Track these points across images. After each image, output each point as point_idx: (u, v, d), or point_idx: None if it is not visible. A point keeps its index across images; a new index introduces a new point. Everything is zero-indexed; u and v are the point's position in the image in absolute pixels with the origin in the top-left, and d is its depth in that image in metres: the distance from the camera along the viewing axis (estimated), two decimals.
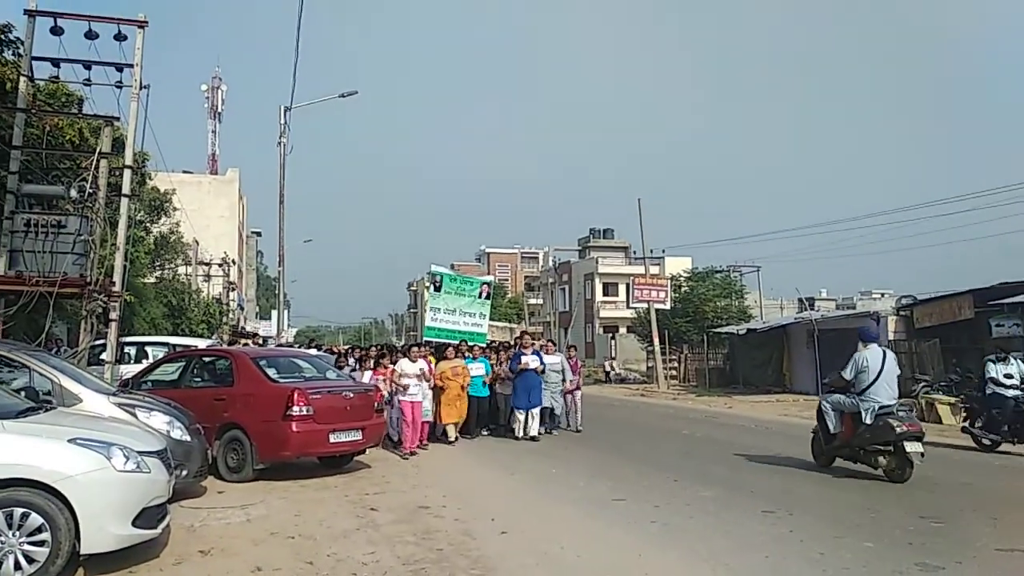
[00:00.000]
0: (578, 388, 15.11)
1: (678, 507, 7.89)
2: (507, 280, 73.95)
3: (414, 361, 12.11)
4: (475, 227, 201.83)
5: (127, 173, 13.82)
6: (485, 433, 13.91)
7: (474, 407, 13.40)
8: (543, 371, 13.48)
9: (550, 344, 15.15)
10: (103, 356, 13.29)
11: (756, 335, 29.53)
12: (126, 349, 16.36)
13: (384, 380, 12.39)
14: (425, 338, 14.70)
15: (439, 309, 14.88)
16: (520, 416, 13.34)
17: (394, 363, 12.54)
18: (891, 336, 24.05)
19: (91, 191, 12.64)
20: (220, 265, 45.08)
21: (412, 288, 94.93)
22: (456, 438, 12.89)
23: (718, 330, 32.31)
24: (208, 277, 43.58)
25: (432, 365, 12.80)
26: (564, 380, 14.47)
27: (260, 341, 21.77)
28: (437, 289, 14.81)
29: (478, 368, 13.52)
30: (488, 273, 76.08)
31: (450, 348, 13.30)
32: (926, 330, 22.78)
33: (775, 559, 5.97)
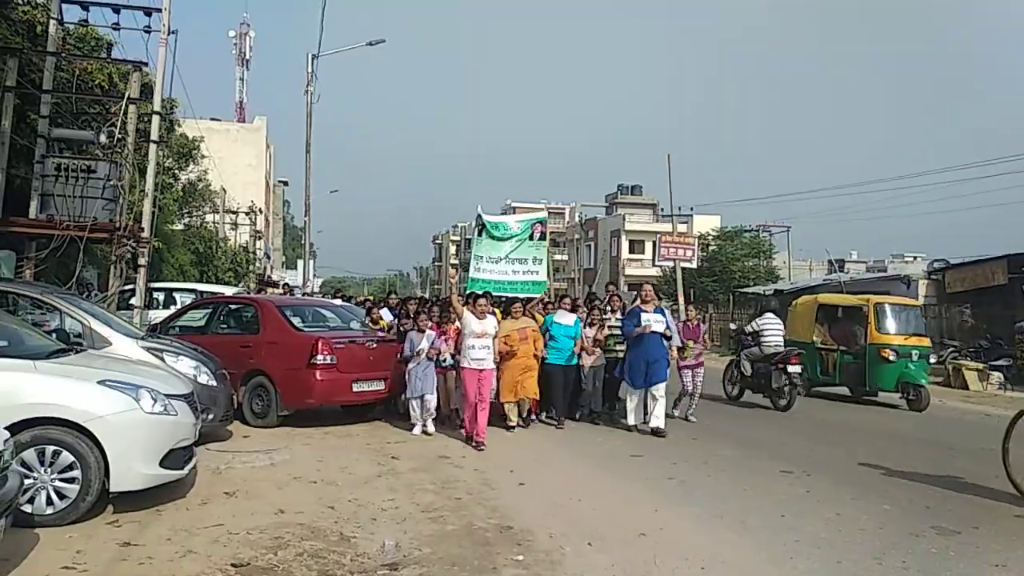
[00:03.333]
0: (700, 364, 11.25)
1: (696, 464, 7.94)
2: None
3: (481, 317, 8.98)
4: (501, 181, 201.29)
5: (155, 119, 13.88)
6: (577, 417, 10.62)
7: (559, 380, 10.16)
8: (670, 337, 10.04)
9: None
10: (132, 301, 13.53)
11: (783, 296, 29.28)
12: (154, 295, 16.60)
13: (446, 339, 9.82)
14: (469, 291, 11.31)
15: (482, 257, 11.89)
16: (635, 397, 9.95)
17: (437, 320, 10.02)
18: (921, 300, 23.75)
19: (120, 137, 12.73)
20: (247, 214, 45.34)
21: (437, 241, 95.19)
22: (517, 424, 9.82)
23: (744, 290, 32.06)
24: (235, 225, 43.88)
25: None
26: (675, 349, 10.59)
27: (287, 290, 21.97)
28: (479, 234, 12.09)
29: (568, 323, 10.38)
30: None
31: (517, 304, 10.08)
32: (958, 295, 22.43)
33: (791, 518, 5.99)
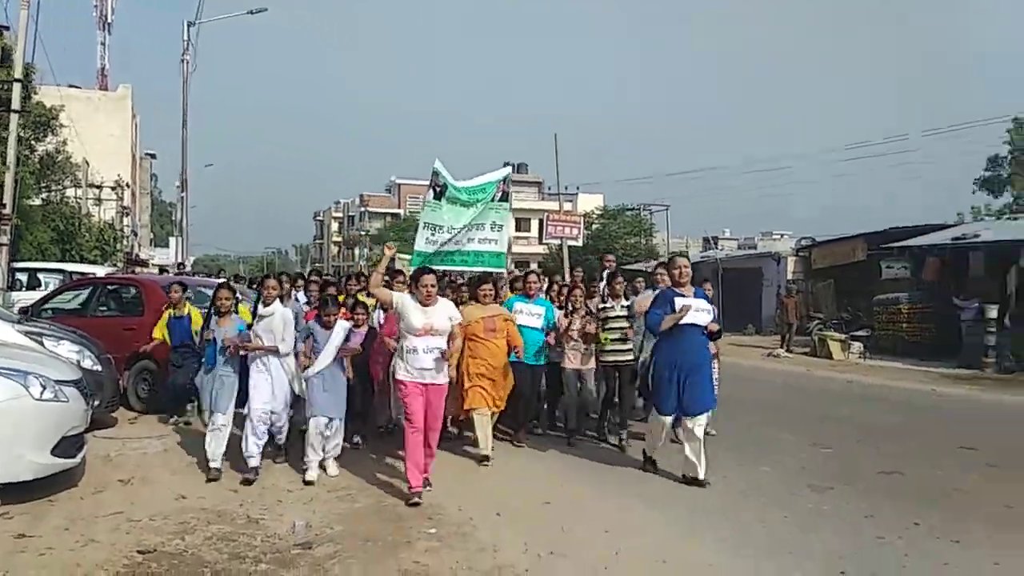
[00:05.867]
0: (715, 356, 7.82)
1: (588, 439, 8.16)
2: (418, 213, 73.10)
3: (427, 303, 5.87)
4: (385, 156, 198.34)
5: (16, 87, 12.95)
6: (538, 431, 8.27)
7: (525, 384, 7.51)
8: (719, 333, 6.90)
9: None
10: None
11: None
12: (17, 275, 15.51)
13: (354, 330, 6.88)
14: (413, 267, 8.34)
15: (438, 227, 8.96)
16: (660, 427, 6.47)
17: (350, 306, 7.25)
18: (790, 275, 25.32)
19: None
20: (113, 188, 42.70)
21: (319, 218, 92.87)
22: (490, 449, 7.00)
23: (627, 267, 33.12)
24: (99, 201, 41.25)
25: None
26: None
27: (170, 269, 20.87)
28: (437, 197, 9.11)
29: (533, 314, 7.70)
30: (399, 207, 74.70)
31: (487, 285, 7.39)
32: (822, 271, 24.03)
33: (683, 485, 6.34)
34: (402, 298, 5.94)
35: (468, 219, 9.02)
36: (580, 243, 34.08)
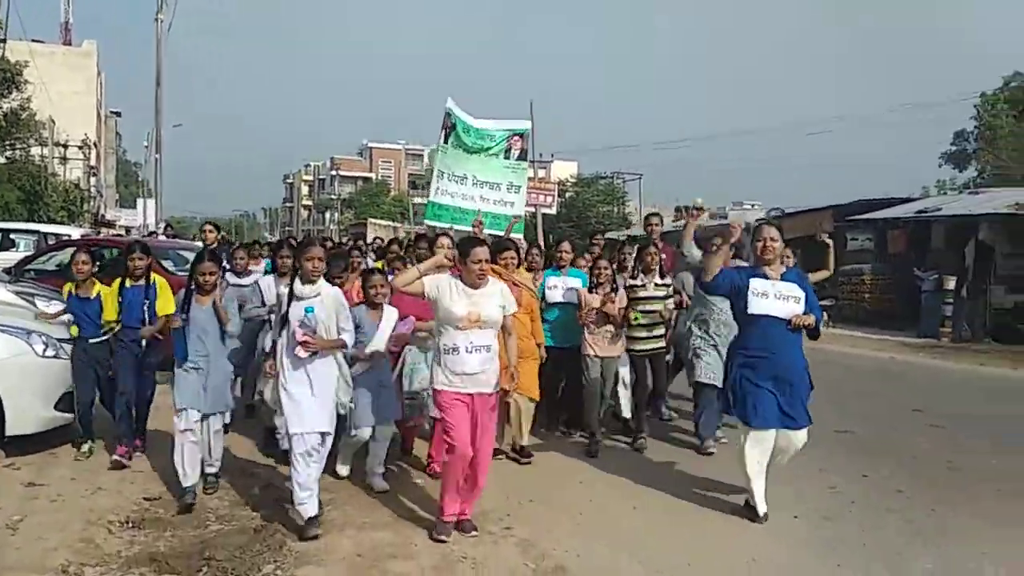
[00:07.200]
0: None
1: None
2: (391, 177, 72.75)
3: (476, 283, 4.43)
4: (355, 120, 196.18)
5: None
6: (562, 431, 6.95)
7: (563, 374, 6.59)
8: (817, 328, 5.06)
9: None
10: None
11: (636, 241, 30.91)
12: None
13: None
14: (426, 222, 8.34)
15: (448, 174, 8.18)
16: (756, 445, 4.96)
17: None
18: None
19: None
20: (80, 147, 41.96)
21: (288, 181, 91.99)
22: (523, 451, 6.01)
23: (600, 236, 33.58)
24: (64, 160, 40.55)
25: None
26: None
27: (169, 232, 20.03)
28: (447, 140, 8.27)
29: (566, 285, 6.56)
30: (370, 170, 74.15)
31: (508, 251, 5.82)
32: (790, 241, 24.48)
33: (648, 444, 6.72)
34: (436, 282, 4.43)
35: (470, 168, 8.28)
36: (554, 211, 34.67)
